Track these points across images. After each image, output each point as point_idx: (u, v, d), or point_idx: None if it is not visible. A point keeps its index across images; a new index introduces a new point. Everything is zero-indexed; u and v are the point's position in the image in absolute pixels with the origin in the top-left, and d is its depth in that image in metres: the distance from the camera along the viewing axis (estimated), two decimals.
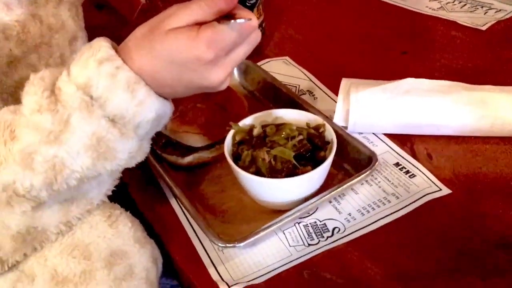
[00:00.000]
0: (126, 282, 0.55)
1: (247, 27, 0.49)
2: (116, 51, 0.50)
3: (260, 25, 0.94)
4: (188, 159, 0.72)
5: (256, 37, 0.52)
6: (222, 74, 0.50)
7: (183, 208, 0.67)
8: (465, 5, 1.03)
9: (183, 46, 0.48)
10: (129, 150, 0.52)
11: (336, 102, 0.75)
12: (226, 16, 0.48)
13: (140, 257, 0.58)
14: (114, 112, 0.49)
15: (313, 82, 0.88)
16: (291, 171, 0.62)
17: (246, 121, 0.69)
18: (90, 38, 0.73)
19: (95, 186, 0.55)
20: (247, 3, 0.89)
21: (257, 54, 0.95)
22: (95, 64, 0.48)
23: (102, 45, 0.49)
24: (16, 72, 0.60)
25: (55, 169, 0.49)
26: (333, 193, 0.63)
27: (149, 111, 0.51)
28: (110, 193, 0.58)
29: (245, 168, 0.62)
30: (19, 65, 0.60)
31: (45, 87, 0.49)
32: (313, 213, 0.64)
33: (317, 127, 0.67)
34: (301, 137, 0.64)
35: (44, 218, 0.53)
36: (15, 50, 0.60)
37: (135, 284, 0.56)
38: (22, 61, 0.61)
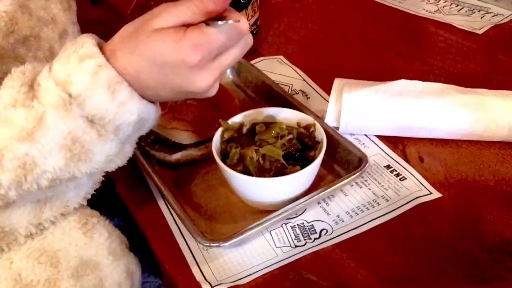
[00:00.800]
0: None
1: (237, 30, 0.47)
2: (101, 48, 0.48)
3: (254, 23, 0.93)
4: (177, 156, 0.71)
5: (247, 41, 0.50)
6: (209, 79, 0.48)
7: (168, 205, 0.66)
8: (462, 8, 1.02)
9: (168, 48, 0.46)
10: (107, 153, 0.50)
11: (328, 103, 0.74)
12: (216, 19, 0.46)
13: (113, 270, 0.56)
14: (93, 112, 0.47)
15: (307, 82, 0.87)
16: (279, 171, 0.61)
17: (236, 119, 0.68)
18: (83, 33, 0.72)
19: (72, 188, 0.53)
20: (241, 0, 0.88)
21: (251, 52, 0.94)
22: (76, 61, 0.46)
23: (86, 41, 0.47)
24: (3, 64, 0.58)
25: (26, 168, 0.46)
26: (321, 194, 0.62)
27: (131, 113, 0.48)
28: (89, 196, 0.56)
29: (233, 167, 0.61)
30: (7, 57, 0.59)
31: (24, 82, 0.47)
32: (301, 214, 0.63)
33: (307, 127, 0.66)
34: (290, 136, 0.63)
35: (13, 218, 0.51)
36: (2, 42, 0.58)
37: None
38: (10, 53, 0.59)
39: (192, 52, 0.45)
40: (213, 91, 0.50)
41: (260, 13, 0.94)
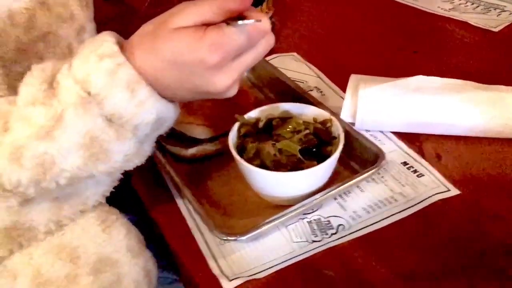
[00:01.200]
0: None
1: (258, 30, 0.46)
2: (121, 47, 0.47)
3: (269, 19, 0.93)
4: (192, 151, 0.71)
5: (268, 41, 0.48)
6: (228, 80, 0.47)
7: (185, 200, 0.66)
8: (477, 6, 1.02)
9: (186, 47, 0.45)
10: (125, 153, 0.49)
11: (344, 100, 0.74)
12: (237, 18, 0.45)
13: (131, 267, 0.56)
14: (112, 111, 0.47)
15: (321, 79, 0.86)
16: (296, 165, 0.61)
17: (252, 114, 0.67)
18: (98, 30, 0.72)
19: (91, 185, 0.53)
20: None
21: None
22: (95, 59, 0.46)
23: (105, 39, 0.47)
24: (24, 60, 0.59)
25: (44, 166, 0.46)
26: (338, 189, 0.62)
27: (150, 112, 0.48)
28: (108, 194, 0.56)
29: (249, 161, 0.61)
30: (26, 53, 0.59)
31: (44, 79, 0.47)
32: (317, 209, 0.63)
33: (324, 122, 0.66)
34: (307, 131, 0.63)
35: (33, 215, 0.51)
36: (23, 38, 0.58)
37: None
38: (30, 49, 0.59)
39: (211, 52, 0.45)
40: (232, 92, 0.49)
41: (275, 9, 0.94)
